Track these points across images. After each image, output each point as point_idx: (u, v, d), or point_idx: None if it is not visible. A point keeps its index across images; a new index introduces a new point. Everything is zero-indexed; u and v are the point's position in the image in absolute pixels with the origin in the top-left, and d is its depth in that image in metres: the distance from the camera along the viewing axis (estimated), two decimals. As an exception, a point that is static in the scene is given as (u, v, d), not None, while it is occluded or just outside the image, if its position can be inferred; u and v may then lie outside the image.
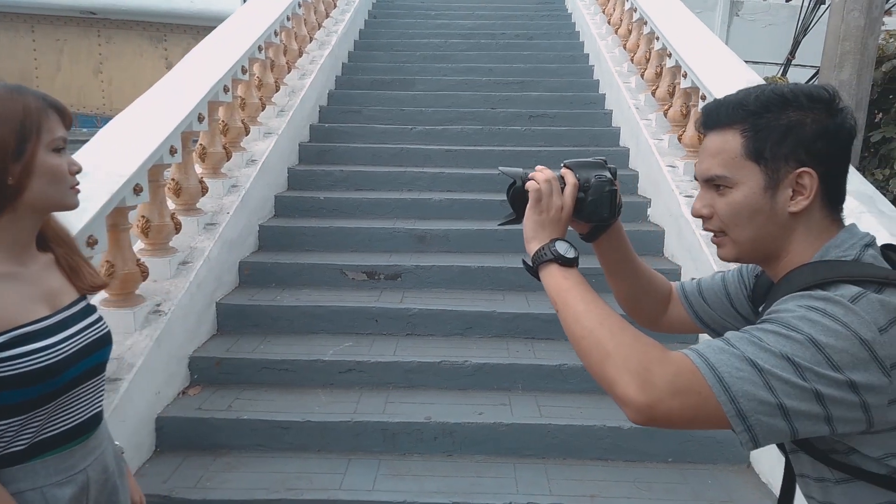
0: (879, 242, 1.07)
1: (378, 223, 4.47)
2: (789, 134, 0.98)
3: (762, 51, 9.22)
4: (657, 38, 4.94)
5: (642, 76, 5.35)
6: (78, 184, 1.23)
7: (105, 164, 2.76)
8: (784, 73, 7.76)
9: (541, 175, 1.09)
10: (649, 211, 4.67)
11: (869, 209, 2.40)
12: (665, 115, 4.71)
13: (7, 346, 1.07)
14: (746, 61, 9.56)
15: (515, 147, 5.52)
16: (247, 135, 4.42)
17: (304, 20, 6.02)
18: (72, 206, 1.23)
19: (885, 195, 4.23)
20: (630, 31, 5.90)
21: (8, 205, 1.13)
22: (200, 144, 3.96)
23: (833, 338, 0.85)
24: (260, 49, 4.57)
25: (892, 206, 2.42)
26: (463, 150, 5.32)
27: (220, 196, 3.96)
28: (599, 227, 1.18)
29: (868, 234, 1.02)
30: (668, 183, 4.28)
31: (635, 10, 5.65)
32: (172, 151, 3.26)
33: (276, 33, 4.91)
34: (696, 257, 3.76)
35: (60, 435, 1.18)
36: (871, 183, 4.36)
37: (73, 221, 2.47)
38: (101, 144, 2.99)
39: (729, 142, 1.01)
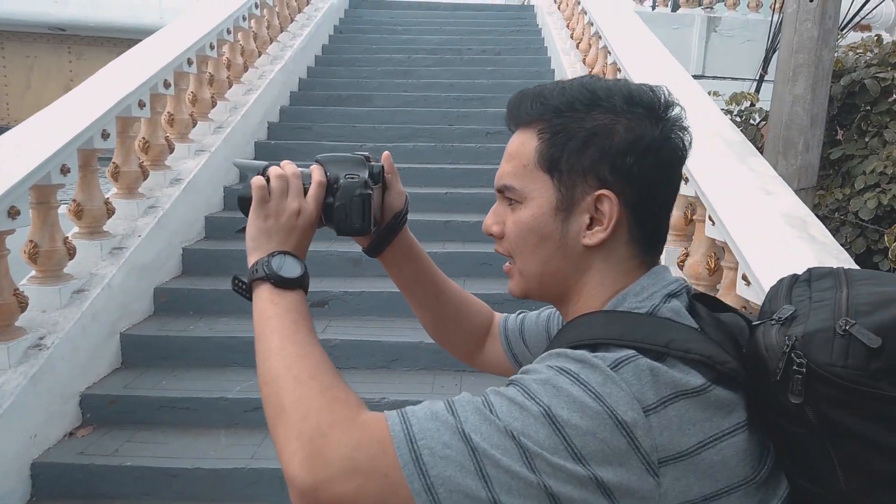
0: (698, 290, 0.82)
1: (311, 246, 4.18)
2: (592, 142, 0.74)
3: (740, 67, 9.09)
4: (610, 52, 4.73)
5: (599, 91, 5.13)
6: None
7: (-34, 185, 2.50)
8: (757, 89, 7.59)
9: (276, 170, 0.84)
10: (601, 232, 4.42)
11: (800, 234, 2.15)
12: (617, 131, 4.48)
13: None
14: (724, 77, 9.42)
15: (469, 165, 5.29)
16: (171, 152, 4.17)
17: (254, 34, 5.81)
18: None
19: (845, 215, 3.99)
20: (590, 46, 5.69)
21: None
22: (113, 162, 3.71)
23: (578, 414, 0.61)
24: (190, 62, 4.34)
25: (826, 232, 2.17)
26: (412, 169, 5.07)
27: (133, 218, 3.70)
28: (385, 235, 0.95)
29: (678, 280, 0.78)
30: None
31: (592, 24, 5.45)
32: (64, 171, 3.01)
33: (211, 46, 4.68)
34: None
35: None
36: (832, 203, 4.13)
37: None
38: (-26, 163, 2.74)
39: (525, 144, 0.78)
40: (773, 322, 0.67)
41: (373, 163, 0.89)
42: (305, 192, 0.86)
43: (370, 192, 0.86)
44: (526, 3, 10.35)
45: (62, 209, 3.21)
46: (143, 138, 3.95)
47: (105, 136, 3.35)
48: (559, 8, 7.46)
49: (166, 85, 4.00)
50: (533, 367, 0.68)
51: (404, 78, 6.81)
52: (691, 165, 2.76)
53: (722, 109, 7.17)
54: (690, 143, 0.79)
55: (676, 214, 3.36)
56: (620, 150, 0.74)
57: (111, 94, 3.41)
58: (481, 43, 7.78)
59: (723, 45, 9.62)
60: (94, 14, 10.78)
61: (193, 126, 4.53)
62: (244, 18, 5.40)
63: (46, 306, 3.01)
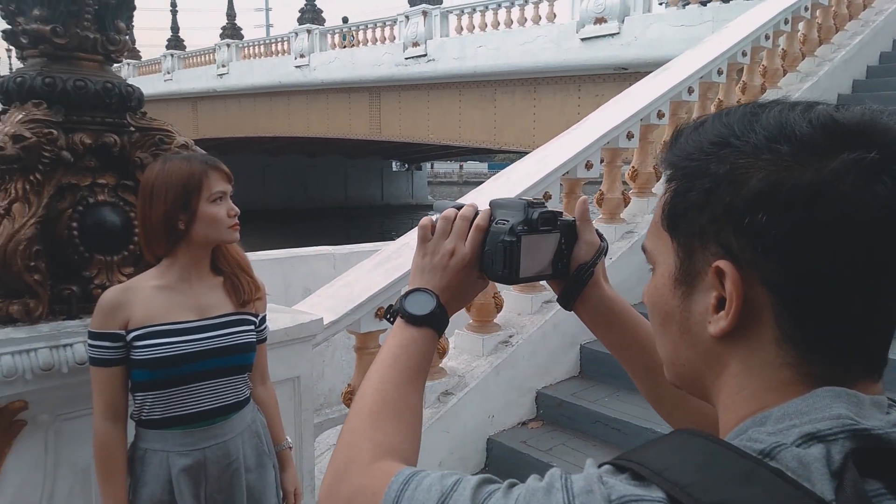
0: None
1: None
2: (715, 193, 0.54)
3: None
4: None
5: None
6: (237, 223, 1.58)
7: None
8: None
9: (447, 211, 0.86)
10: None
11: None
12: None
13: (144, 337, 1.49)
14: None
15: None
16: (658, 180, 4.27)
17: (783, 52, 5.38)
18: (230, 240, 1.60)
19: None
20: None
21: (181, 241, 1.56)
22: (600, 190, 4.05)
23: None
24: (690, 91, 4.35)
25: None
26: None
27: (609, 241, 3.97)
28: (571, 288, 0.86)
29: (842, 418, 0.48)
30: None
31: None
32: (546, 197, 3.48)
33: (719, 72, 4.57)
34: None
35: (184, 416, 1.54)
36: None
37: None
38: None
39: (661, 196, 0.62)
40: None
41: (537, 209, 0.81)
42: None
43: (514, 239, 0.79)
44: None
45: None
46: (633, 167, 4.19)
47: (588, 166, 3.70)
48: None
49: (659, 115, 4.12)
50: (550, 471, 0.54)
51: None
52: None
53: None
54: None
55: None
56: (748, 204, 0.50)
57: (596, 129, 3.75)
58: None
59: None
60: (652, 52, 11.76)
61: (687, 153, 4.52)
62: (766, 38, 5.06)
63: (521, 310, 3.55)
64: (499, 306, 3.39)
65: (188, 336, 1.54)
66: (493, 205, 0.86)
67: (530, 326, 3.45)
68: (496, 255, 0.81)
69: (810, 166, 0.49)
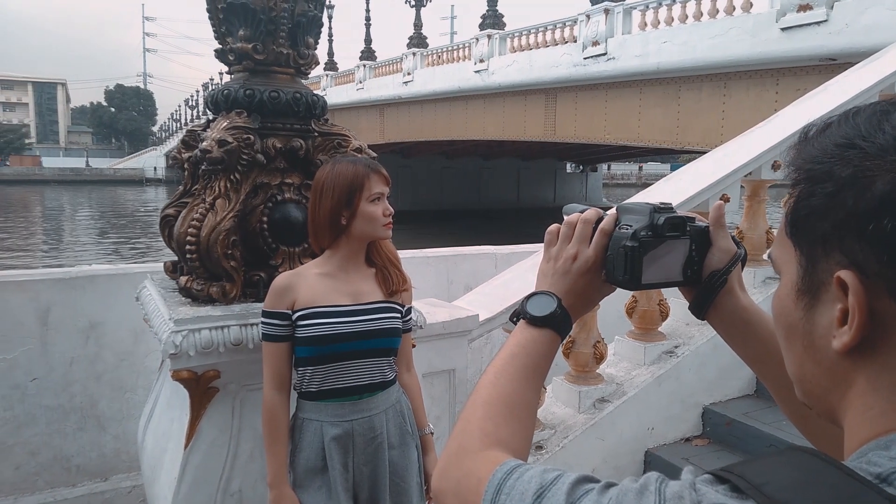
0: None
1: None
2: (837, 198, 0.51)
3: None
4: None
5: None
6: (390, 222, 1.70)
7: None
8: None
9: (571, 217, 0.86)
10: None
11: None
12: None
13: (306, 317, 1.66)
14: None
15: None
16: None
17: None
18: (384, 237, 1.73)
19: None
20: None
21: (342, 235, 1.70)
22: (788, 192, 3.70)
23: None
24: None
25: None
26: None
27: (797, 250, 3.61)
28: (702, 295, 0.83)
29: None
30: None
31: None
32: (724, 199, 3.25)
33: (946, 59, 3.95)
34: None
35: (337, 390, 1.70)
36: None
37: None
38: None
39: (787, 203, 0.60)
40: None
41: (664, 214, 0.78)
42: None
43: (635, 244, 0.78)
44: None
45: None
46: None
47: (776, 167, 3.40)
48: None
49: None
50: (647, 474, 0.54)
51: None
52: None
53: None
54: None
55: None
56: (872, 210, 0.47)
57: (787, 126, 3.42)
58: None
59: None
60: (867, 41, 10.41)
61: None
62: None
63: (689, 319, 3.35)
64: (664, 314, 3.23)
65: (344, 318, 1.69)
66: (620, 209, 0.85)
67: (699, 338, 3.25)
68: (617, 259, 0.80)
69: None
